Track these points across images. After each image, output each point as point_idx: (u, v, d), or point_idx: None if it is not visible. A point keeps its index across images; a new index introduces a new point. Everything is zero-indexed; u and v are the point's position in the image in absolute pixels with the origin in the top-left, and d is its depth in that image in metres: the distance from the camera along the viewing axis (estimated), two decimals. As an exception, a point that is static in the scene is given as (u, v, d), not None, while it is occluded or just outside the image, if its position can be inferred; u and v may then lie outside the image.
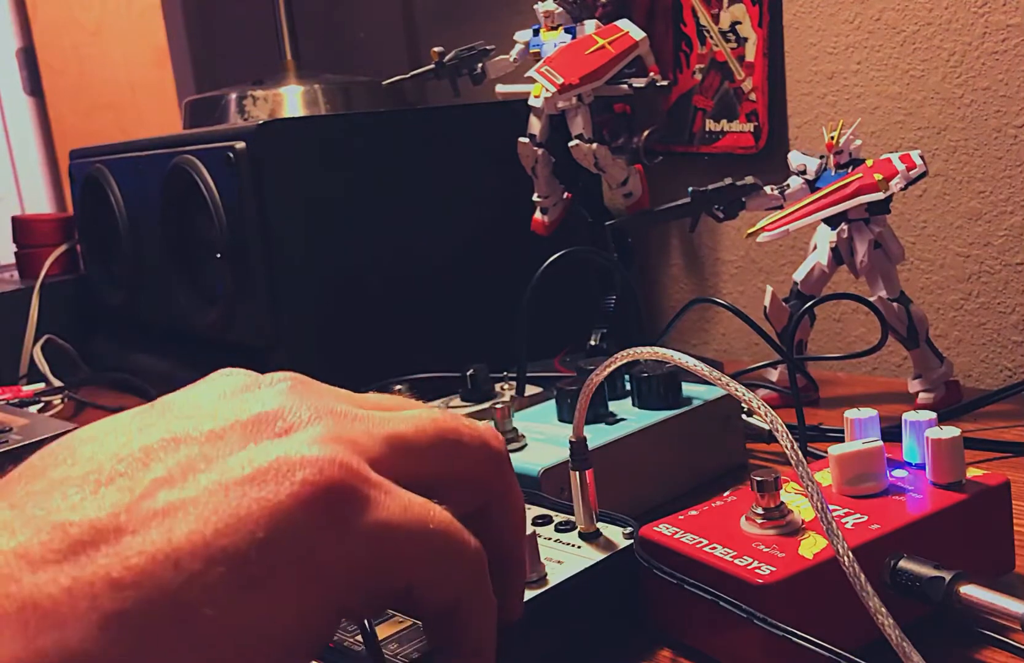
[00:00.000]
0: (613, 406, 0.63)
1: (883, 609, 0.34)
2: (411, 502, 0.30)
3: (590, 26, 0.83)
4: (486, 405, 0.71)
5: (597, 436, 0.58)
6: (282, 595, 0.26)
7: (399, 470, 0.31)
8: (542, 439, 0.60)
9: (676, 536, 0.43)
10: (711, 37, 0.97)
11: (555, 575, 0.43)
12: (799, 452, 0.38)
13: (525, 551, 0.38)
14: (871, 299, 0.71)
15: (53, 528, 0.25)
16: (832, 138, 0.73)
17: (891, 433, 0.48)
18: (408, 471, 0.31)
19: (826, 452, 0.46)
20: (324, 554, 0.27)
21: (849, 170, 0.72)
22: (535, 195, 0.86)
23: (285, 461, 0.28)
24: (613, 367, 0.45)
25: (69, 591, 0.24)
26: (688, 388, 0.64)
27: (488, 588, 0.33)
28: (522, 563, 0.38)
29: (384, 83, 0.95)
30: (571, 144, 0.81)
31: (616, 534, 0.47)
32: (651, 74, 0.80)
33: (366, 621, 0.39)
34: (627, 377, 0.65)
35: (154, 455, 0.28)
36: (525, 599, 0.41)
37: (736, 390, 0.40)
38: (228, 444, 0.28)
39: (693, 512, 0.46)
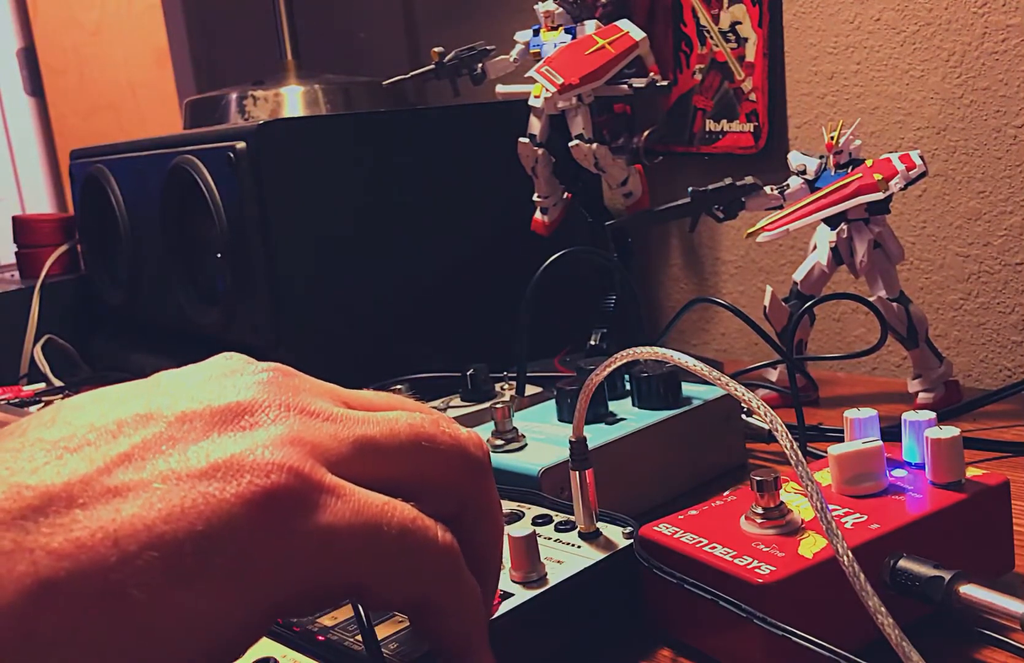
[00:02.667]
0: (613, 406, 0.63)
1: (883, 609, 0.34)
2: (367, 504, 0.30)
3: (590, 26, 0.83)
4: (486, 405, 0.71)
5: (597, 436, 0.58)
6: (212, 591, 0.27)
7: (366, 472, 0.31)
8: (542, 439, 0.60)
9: (676, 536, 0.43)
10: (711, 37, 0.97)
11: (555, 575, 0.43)
12: (799, 452, 0.38)
13: (499, 560, 0.38)
14: (871, 299, 0.71)
15: (10, 488, 0.26)
16: (832, 138, 0.73)
17: (891, 433, 0.48)
18: (376, 473, 0.32)
19: (826, 452, 0.46)
20: (259, 555, 0.28)
21: (849, 170, 0.72)
22: (535, 195, 0.86)
23: (238, 460, 0.28)
24: (613, 367, 0.45)
25: (9, 554, 0.25)
26: (688, 388, 0.64)
27: (465, 583, 0.33)
28: (496, 573, 0.38)
29: (384, 83, 0.95)
30: (571, 144, 0.81)
31: (616, 534, 0.47)
32: (651, 74, 0.80)
33: (363, 614, 0.39)
34: (627, 377, 0.65)
35: (124, 429, 0.29)
36: (525, 599, 0.42)
37: (736, 390, 0.40)
38: (193, 430, 0.29)
39: (693, 512, 0.46)
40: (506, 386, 0.74)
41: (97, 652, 0.25)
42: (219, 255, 0.88)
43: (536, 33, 0.86)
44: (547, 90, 0.80)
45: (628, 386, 0.65)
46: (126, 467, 0.28)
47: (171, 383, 0.31)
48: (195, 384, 0.31)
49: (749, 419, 0.68)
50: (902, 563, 0.40)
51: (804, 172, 0.75)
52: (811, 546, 0.40)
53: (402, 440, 0.33)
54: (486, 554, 0.36)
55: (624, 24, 0.82)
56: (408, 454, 0.33)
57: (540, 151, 0.83)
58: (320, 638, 0.42)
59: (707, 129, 0.99)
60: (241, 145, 0.85)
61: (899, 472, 0.46)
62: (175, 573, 0.26)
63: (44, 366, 1.08)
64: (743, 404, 0.44)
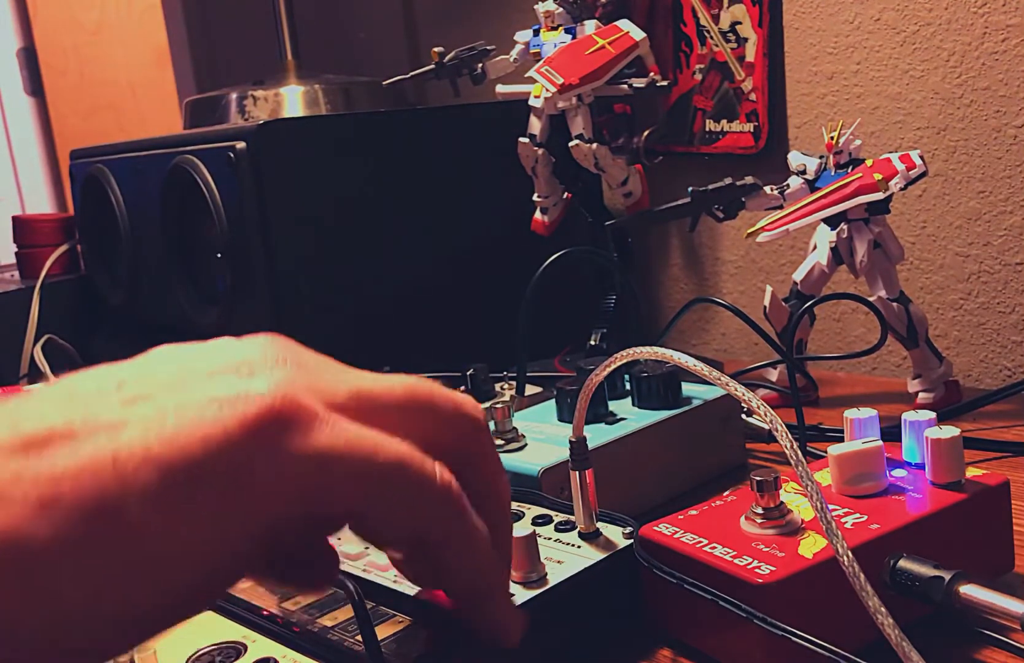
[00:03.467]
0: (613, 406, 0.63)
1: (883, 609, 0.34)
2: (361, 434, 0.31)
3: (590, 26, 0.83)
4: (486, 405, 0.71)
5: (597, 436, 0.58)
6: (209, 510, 0.28)
7: (360, 420, 0.32)
8: (542, 439, 0.60)
9: (676, 536, 0.43)
10: (711, 37, 0.97)
11: (555, 575, 0.43)
12: (799, 452, 0.38)
13: (509, 512, 0.38)
14: (871, 299, 0.71)
15: (15, 428, 0.27)
16: (832, 138, 0.73)
17: (891, 433, 0.48)
18: (368, 420, 0.32)
19: (826, 452, 0.46)
20: (254, 473, 0.28)
21: (849, 170, 0.72)
22: (535, 195, 0.86)
23: (235, 395, 0.29)
24: (613, 367, 0.45)
25: (16, 478, 0.26)
26: (688, 388, 0.64)
27: (468, 523, 0.34)
28: (508, 523, 0.38)
29: (384, 83, 0.95)
30: (571, 144, 0.81)
31: (616, 534, 0.47)
32: (651, 74, 0.80)
33: (364, 614, 0.39)
34: (627, 377, 0.65)
35: (126, 384, 0.30)
36: (525, 599, 0.42)
37: (736, 390, 0.40)
38: (195, 380, 0.30)
39: (693, 512, 0.46)
40: (506, 386, 0.74)
41: (96, 569, 0.26)
42: (219, 255, 0.88)
43: (536, 33, 0.86)
44: (547, 90, 0.80)
45: (628, 386, 0.65)
46: (127, 406, 0.28)
47: (174, 352, 0.32)
48: (196, 350, 0.32)
49: (749, 419, 0.68)
50: (902, 563, 0.40)
51: (804, 172, 0.75)
52: (811, 546, 0.40)
53: (399, 395, 0.33)
54: (493, 506, 0.36)
55: (624, 24, 0.82)
56: (404, 410, 0.33)
57: (540, 151, 0.83)
58: (320, 638, 0.42)
59: (707, 129, 0.99)
60: (241, 145, 0.85)
61: (899, 472, 0.46)
62: (172, 493, 0.27)
63: (44, 366, 1.08)
64: (743, 404, 0.44)
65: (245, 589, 0.48)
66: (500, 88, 0.87)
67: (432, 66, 0.88)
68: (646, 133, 0.99)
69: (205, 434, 0.28)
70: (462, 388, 0.73)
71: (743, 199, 0.74)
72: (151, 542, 0.27)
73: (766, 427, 0.57)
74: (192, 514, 0.27)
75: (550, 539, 0.47)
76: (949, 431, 0.44)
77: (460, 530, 0.33)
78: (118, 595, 0.27)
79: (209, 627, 0.45)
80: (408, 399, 0.34)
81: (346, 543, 0.50)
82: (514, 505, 0.52)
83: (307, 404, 0.30)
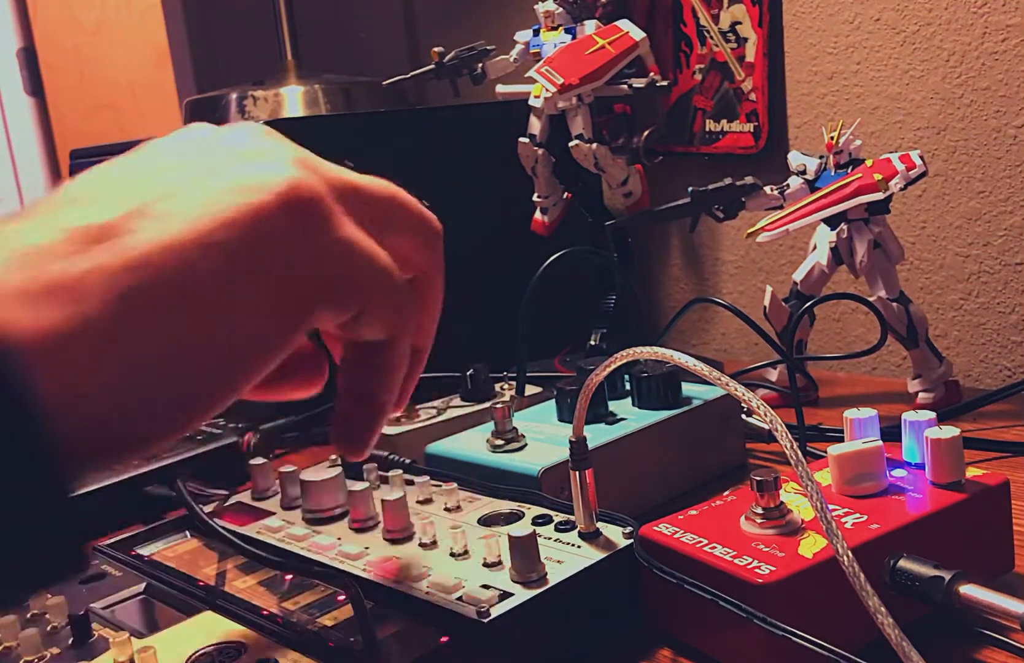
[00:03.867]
0: (613, 406, 0.63)
1: (883, 609, 0.34)
2: (363, 235, 0.35)
3: (590, 26, 0.83)
4: (486, 405, 0.71)
5: (597, 436, 0.58)
6: (264, 279, 0.31)
7: (353, 212, 0.35)
8: (542, 439, 0.60)
9: (676, 536, 0.43)
10: (711, 37, 0.97)
11: (555, 575, 0.43)
12: (799, 452, 0.38)
13: (435, 323, 0.42)
14: (871, 299, 0.71)
15: (63, 231, 0.29)
16: (832, 138, 0.73)
17: (891, 433, 0.48)
18: (359, 216, 0.35)
19: (826, 452, 0.46)
20: (300, 255, 0.32)
21: (849, 170, 0.72)
22: (535, 195, 0.86)
23: (267, 176, 0.32)
24: (613, 367, 0.45)
25: (87, 273, 0.28)
26: (688, 388, 0.64)
27: (407, 341, 0.38)
28: (427, 349, 0.42)
29: (384, 83, 0.95)
30: (571, 144, 0.81)
31: (616, 534, 0.47)
32: (651, 74, 0.80)
33: (364, 614, 0.39)
34: (627, 377, 0.65)
35: (157, 173, 0.32)
36: (525, 599, 0.42)
37: (736, 390, 0.40)
38: (218, 163, 0.33)
39: (693, 512, 0.46)
40: (506, 386, 0.74)
41: (177, 340, 0.30)
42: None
43: (536, 33, 0.86)
44: (547, 90, 0.80)
45: (628, 386, 0.65)
46: (166, 199, 0.31)
47: (196, 132, 0.35)
48: (201, 141, 0.35)
49: (749, 419, 0.68)
50: (902, 563, 0.40)
51: (804, 172, 0.75)
52: (811, 546, 0.40)
53: (383, 193, 0.38)
54: (426, 328, 0.41)
55: (624, 24, 0.82)
56: (385, 204, 0.37)
57: (540, 151, 0.83)
58: (320, 638, 0.42)
59: (707, 129, 0.99)
60: (241, 145, 0.84)
61: (899, 472, 0.46)
62: (234, 267, 0.30)
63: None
64: (743, 404, 0.44)
65: (245, 589, 0.48)
66: (500, 88, 0.87)
67: (432, 66, 0.88)
68: (646, 133, 0.99)
69: (253, 217, 0.31)
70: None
71: (743, 199, 0.74)
72: (222, 308, 0.30)
73: (766, 427, 0.57)
74: (254, 281, 0.31)
75: (550, 539, 0.47)
76: (949, 431, 0.44)
77: (404, 344, 0.38)
78: (185, 364, 0.30)
79: (209, 627, 0.45)
80: (388, 195, 0.38)
81: (346, 543, 0.50)
82: (514, 505, 0.52)
83: (330, 199, 0.33)
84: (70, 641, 0.45)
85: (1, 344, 0.26)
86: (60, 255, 0.28)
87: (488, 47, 0.88)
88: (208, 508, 0.58)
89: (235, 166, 0.33)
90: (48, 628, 0.46)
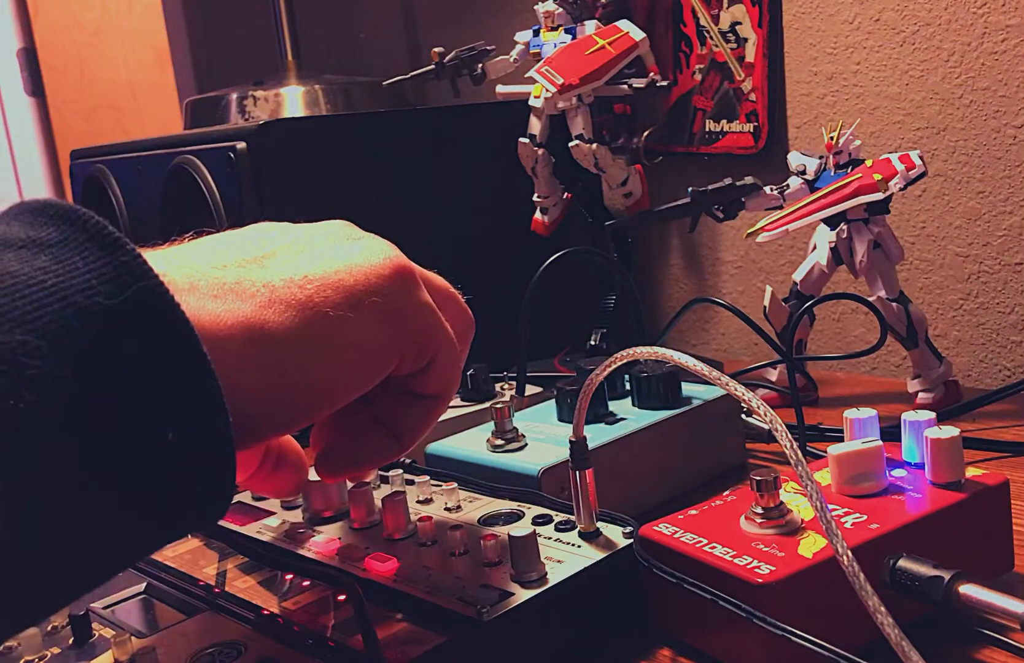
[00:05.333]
0: (613, 406, 0.63)
1: (883, 608, 0.34)
2: (436, 306, 0.42)
3: (590, 26, 0.83)
4: (486, 405, 0.71)
5: (597, 436, 0.58)
6: (371, 317, 0.38)
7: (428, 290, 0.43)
8: (542, 439, 0.60)
9: (676, 535, 0.43)
10: (711, 37, 0.97)
11: (555, 575, 0.43)
12: (799, 452, 0.38)
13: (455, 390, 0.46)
14: (870, 299, 0.71)
15: (232, 258, 0.37)
16: (831, 138, 0.73)
17: (890, 433, 0.48)
18: (431, 294, 0.43)
19: (825, 452, 0.46)
20: (397, 302, 0.39)
21: (848, 170, 0.72)
22: (535, 195, 0.86)
23: (374, 245, 0.40)
24: (613, 367, 0.45)
25: (240, 283, 0.35)
26: (688, 388, 0.64)
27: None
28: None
29: (384, 83, 0.95)
30: (571, 144, 0.81)
31: (616, 534, 0.47)
32: (651, 74, 0.80)
33: (364, 614, 0.39)
34: (627, 377, 0.65)
35: (269, 242, 0.39)
36: (525, 599, 0.42)
37: (736, 390, 0.40)
38: (328, 235, 0.40)
39: (693, 512, 0.46)
40: (506, 386, 0.74)
41: (304, 345, 0.36)
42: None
43: (536, 33, 0.86)
44: (547, 90, 0.80)
45: (628, 386, 0.65)
46: (291, 252, 0.38)
47: (276, 227, 0.42)
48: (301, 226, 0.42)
49: (749, 419, 0.68)
50: (902, 563, 0.40)
51: (804, 172, 0.75)
52: (811, 546, 0.40)
53: (443, 284, 0.45)
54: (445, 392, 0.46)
55: (624, 24, 0.82)
56: (443, 293, 0.45)
57: (540, 151, 0.83)
58: (320, 638, 0.42)
59: (707, 129, 0.99)
60: (241, 145, 0.85)
61: (899, 472, 0.46)
62: (349, 302, 0.37)
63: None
64: (743, 404, 0.44)
65: (245, 589, 0.48)
66: (500, 88, 0.87)
67: (432, 66, 0.88)
68: (646, 133, 0.99)
69: (366, 269, 0.39)
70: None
71: (743, 199, 0.74)
72: (338, 331, 0.37)
73: (766, 427, 0.57)
74: (363, 317, 0.38)
75: (550, 539, 0.47)
76: (949, 431, 0.44)
77: (446, 404, 0.45)
78: (320, 368, 0.37)
79: (209, 627, 0.45)
80: (445, 288, 0.45)
81: (346, 543, 0.50)
82: (514, 505, 0.52)
83: (416, 271, 0.41)
84: (70, 641, 0.45)
85: (199, 332, 0.31)
86: (233, 267, 0.36)
87: (488, 47, 0.88)
88: (208, 508, 0.58)
89: (346, 241, 0.40)
90: (48, 627, 0.46)
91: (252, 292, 0.35)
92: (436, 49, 0.89)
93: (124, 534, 0.31)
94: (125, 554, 0.32)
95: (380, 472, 0.59)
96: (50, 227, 0.31)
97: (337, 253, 0.39)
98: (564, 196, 0.86)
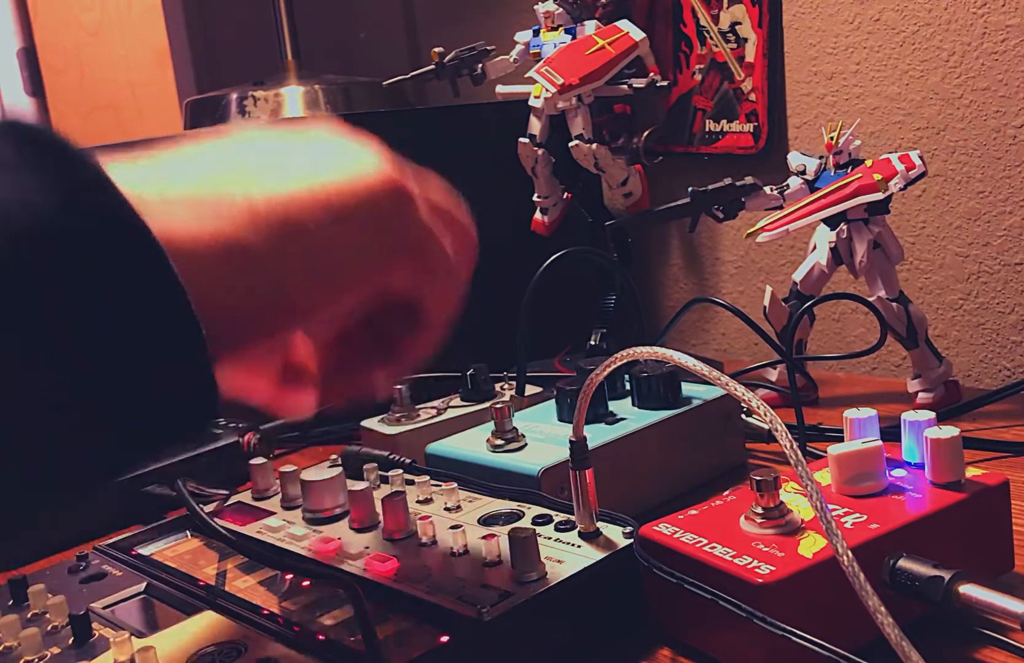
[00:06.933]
0: (613, 406, 0.63)
1: (882, 608, 0.34)
2: (433, 223, 0.41)
3: (590, 27, 0.83)
4: (486, 405, 0.71)
5: (597, 436, 0.58)
6: (359, 228, 0.37)
7: (426, 203, 0.41)
8: (542, 439, 0.60)
9: (676, 535, 0.43)
10: (711, 37, 0.97)
11: (555, 574, 0.43)
12: (798, 452, 0.38)
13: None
14: (870, 299, 0.71)
15: (211, 170, 0.36)
16: (831, 138, 0.73)
17: (890, 433, 0.48)
18: (430, 208, 0.41)
19: (825, 452, 0.46)
20: (388, 212, 0.38)
21: (848, 170, 0.72)
22: (535, 195, 0.86)
23: (364, 154, 0.39)
24: (613, 367, 0.45)
25: (231, 199, 0.34)
26: (688, 388, 0.64)
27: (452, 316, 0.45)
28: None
29: (384, 83, 0.95)
30: (571, 144, 0.81)
31: (616, 534, 0.47)
32: (651, 74, 0.80)
33: (363, 614, 0.39)
34: (627, 377, 0.65)
35: (251, 153, 0.38)
36: (525, 599, 0.42)
37: (736, 390, 0.40)
38: (309, 145, 0.39)
39: (693, 512, 0.46)
40: (506, 386, 0.74)
41: (284, 264, 0.35)
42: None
43: (536, 33, 0.86)
44: (547, 90, 0.80)
45: (628, 386, 0.65)
46: (273, 164, 0.37)
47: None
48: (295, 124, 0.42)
49: (749, 419, 0.68)
50: (902, 563, 0.40)
51: (804, 172, 0.75)
52: (811, 546, 0.40)
53: (446, 200, 0.44)
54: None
55: (624, 24, 0.82)
56: (445, 210, 0.43)
57: (540, 151, 0.83)
58: (320, 638, 0.42)
59: (707, 129, 0.99)
60: (241, 145, 0.84)
61: (899, 472, 0.46)
62: (334, 218, 0.36)
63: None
64: (743, 404, 0.44)
65: (245, 589, 0.48)
66: (500, 88, 0.87)
67: (432, 66, 0.88)
68: (646, 133, 0.99)
69: (355, 183, 0.37)
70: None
71: (743, 199, 0.74)
72: (321, 246, 0.36)
73: (766, 427, 0.57)
74: (350, 228, 0.37)
75: (550, 539, 0.47)
76: (949, 431, 0.44)
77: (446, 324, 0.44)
78: (300, 287, 0.36)
79: (209, 627, 0.45)
80: (441, 202, 0.43)
81: (346, 543, 0.50)
82: (514, 505, 0.52)
83: (413, 188, 0.40)
84: (70, 641, 0.45)
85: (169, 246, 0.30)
86: (212, 178, 0.35)
87: (488, 47, 0.88)
88: (208, 508, 0.58)
89: (334, 148, 0.39)
90: (48, 627, 0.46)
91: (231, 210, 0.34)
92: (436, 49, 0.89)
93: (105, 452, 0.31)
94: (106, 470, 0.32)
95: (380, 472, 0.59)
96: (8, 149, 0.31)
97: (324, 164, 0.38)
98: (564, 196, 0.86)
